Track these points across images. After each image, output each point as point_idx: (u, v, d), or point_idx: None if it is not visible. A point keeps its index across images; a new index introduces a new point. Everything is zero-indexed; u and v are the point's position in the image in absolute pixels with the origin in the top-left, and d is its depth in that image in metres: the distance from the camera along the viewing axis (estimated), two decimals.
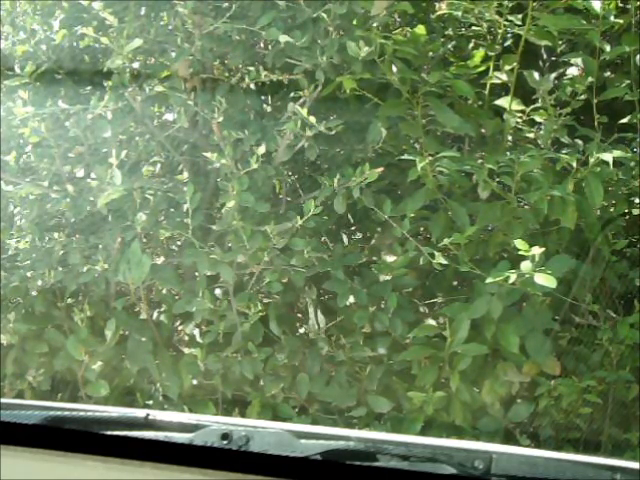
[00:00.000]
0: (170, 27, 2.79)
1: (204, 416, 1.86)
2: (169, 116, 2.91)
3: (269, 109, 2.92)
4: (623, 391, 2.73)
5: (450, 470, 1.31)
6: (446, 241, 2.55)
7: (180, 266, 2.97)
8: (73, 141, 2.82)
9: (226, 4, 2.75)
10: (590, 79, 2.75)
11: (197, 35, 2.71)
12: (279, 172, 2.81)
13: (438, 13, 2.89)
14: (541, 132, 2.78)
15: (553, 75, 2.89)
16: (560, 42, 2.93)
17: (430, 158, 2.59)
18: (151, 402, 2.94)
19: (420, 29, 2.78)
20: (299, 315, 3.14)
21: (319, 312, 3.01)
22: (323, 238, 3.03)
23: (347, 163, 2.79)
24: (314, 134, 2.63)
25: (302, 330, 3.04)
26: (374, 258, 3.00)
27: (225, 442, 1.40)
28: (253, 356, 2.75)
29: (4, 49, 2.88)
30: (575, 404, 2.65)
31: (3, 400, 2.16)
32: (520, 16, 2.70)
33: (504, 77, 2.77)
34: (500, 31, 2.74)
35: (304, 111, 2.60)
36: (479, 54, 2.84)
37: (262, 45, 2.89)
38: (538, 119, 2.77)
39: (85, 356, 2.86)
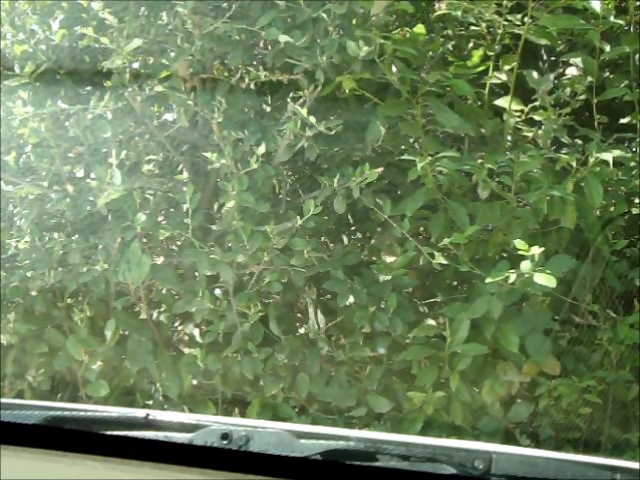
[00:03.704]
0: (170, 27, 2.79)
1: (204, 416, 1.87)
2: (169, 116, 2.91)
3: (269, 109, 2.92)
4: (623, 391, 2.73)
5: (450, 470, 1.31)
6: (446, 241, 2.55)
7: (180, 266, 2.97)
8: (73, 141, 2.82)
9: (226, 4, 2.75)
10: (590, 79, 2.75)
11: (197, 35, 2.71)
12: (279, 172, 2.81)
13: (438, 13, 2.89)
14: (541, 132, 2.78)
15: (553, 75, 2.90)
16: (560, 42, 2.93)
17: (430, 158, 2.59)
18: (151, 402, 2.95)
19: (420, 29, 2.78)
20: (299, 315, 3.14)
21: (319, 312, 3.00)
22: (323, 238, 3.03)
23: (347, 163, 2.79)
24: (314, 134, 2.63)
25: (302, 330, 3.04)
26: (374, 258, 3.00)
27: (225, 442, 1.40)
28: (253, 356, 2.75)
29: (4, 49, 2.88)
30: (575, 404, 2.65)
31: (3, 400, 2.16)
32: (519, 16, 2.70)
33: (504, 77, 2.77)
34: (499, 31, 2.74)
35: (304, 111, 2.60)
36: (478, 54, 2.84)
37: (262, 45, 2.89)
38: (538, 119, 2.77)
39: (85, 356, 2.86)
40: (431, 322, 2.84)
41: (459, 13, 2.74)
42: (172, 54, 2.79)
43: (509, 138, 2.84)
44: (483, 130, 2.86)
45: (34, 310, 2.97)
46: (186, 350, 3.03)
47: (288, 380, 2.82)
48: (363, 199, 2.67)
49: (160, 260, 2.96)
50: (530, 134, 2.79)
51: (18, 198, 2.86)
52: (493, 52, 2.78)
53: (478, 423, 2.70)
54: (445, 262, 2.59)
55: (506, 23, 2.71)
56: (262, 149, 2.63)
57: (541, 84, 2.78)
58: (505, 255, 2.69)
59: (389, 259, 2.84)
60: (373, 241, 3.13)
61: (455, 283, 2.98)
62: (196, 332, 3.01)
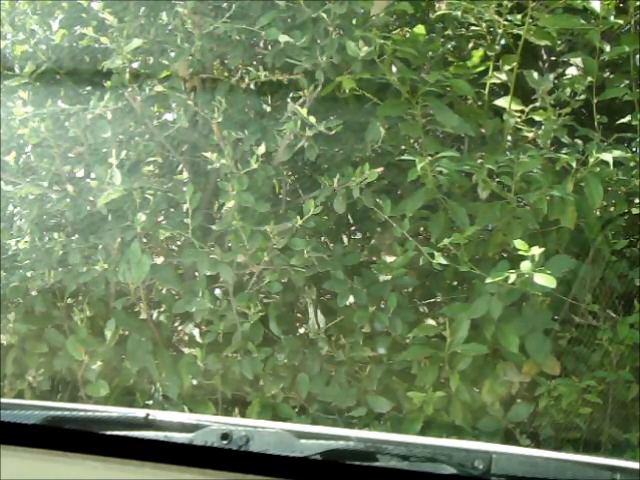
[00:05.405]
0: (170, 27, 2.79)
1: (204, 416, 1.87)
2: (169, 116, 2.90)
3: (269, 109, 2.92)
4: (623, 391, 2.73)
5: (450, 470, 1.31)
6: (446, 241, 2.55)
7: (180, 266, 2.97)
8: (73, 141, 2.82)
9: (226, 4, 2.75)
10: (590, 79, 2.75)
11: (197, 35, 2.71)
12: (279, 172, 2.81)
13: (438, 13, 2.89)
14: (541, 132, 2.78)
15: (552, 75, 2.89)
16: (559, 42, 2.93)
17: (430, 158, 2.59)
18: (151, 402, 2.95)
19: (419, 29, 2.78)
20: (299, 315, 3.14)
21: (319, 312, 3.01)
22: (323, 238, 3.03)
23: (347, 163, 2.79)
24: (314, 134, 2.63)
25: (302, 330, 3.04)
26: (374, 258, 3.00)
27: (225, 442, 1.41)
28: (253, 356, 2.75)
29: (4, 49, 2.88)
30: (575, 404, 2.65)
31: (3, 400, 2.16)
32: (519, 16, 2.70)
33: (504, 77, 2.77)
34: (500, 31, 2.74)
35: (304, 111, 2.60)
36: (478, 54, 2.84)
37: (262, 45, 2.89)
38: (538, 119, 2.77)
39: (85, 356, 2.86)
40: (431, 322, 2.84)
41: (459, 13, 2.75)
42: (172, 54, 2.79)
43: (509, 138, 2.83)
44: (483, 130, 2.86)
45: (34, 310, 2.98)
46: (186, 350, 3.03)
47: (288, 380, 2.82)
48: (363, 199, 2.67)
49: (160, 260, 2.96)
50: (530, 134, 2.79)
51: (18, 198, 2.87)
52: (493, 52, 2.78)
53: (478, 423, 2.70)
54: (445, 262, 2.59)
55: (506, 23, 2.70)
56: (262, 149, 2.63)
57: (541, 84, 2.78)
58: (505, 255, 2.69)
59: (389, 259, 2.84)
60: (373, 241, 3.14)
61: (455, 283, 2.98)
62: (196, 332, 3.01)
